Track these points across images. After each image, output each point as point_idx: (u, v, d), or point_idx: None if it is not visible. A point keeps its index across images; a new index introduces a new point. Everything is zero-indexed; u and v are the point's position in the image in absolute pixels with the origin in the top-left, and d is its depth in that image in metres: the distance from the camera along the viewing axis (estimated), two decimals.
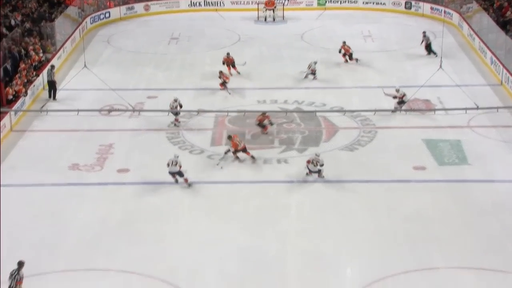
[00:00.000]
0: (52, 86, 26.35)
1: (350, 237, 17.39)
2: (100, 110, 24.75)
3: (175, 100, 23.43)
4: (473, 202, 18.99)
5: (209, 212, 18.66)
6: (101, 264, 16.31)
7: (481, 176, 20.41)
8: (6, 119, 23.29)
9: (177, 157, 19.82)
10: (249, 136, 23.38)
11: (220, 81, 26.45)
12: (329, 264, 16.31)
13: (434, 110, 23.56)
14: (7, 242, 17.06)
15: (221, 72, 26.63)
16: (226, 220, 18.26)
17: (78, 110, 21.79)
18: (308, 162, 20.08)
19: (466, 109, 21.02)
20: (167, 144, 22.79)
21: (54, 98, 26.29)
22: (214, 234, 17.56)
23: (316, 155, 20.09)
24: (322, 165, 19.93)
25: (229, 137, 21.62)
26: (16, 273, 14.49)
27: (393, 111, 24.15)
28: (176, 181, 19.79)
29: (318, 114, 24.55)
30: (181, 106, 23.49)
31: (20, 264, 14.66)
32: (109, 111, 24.84)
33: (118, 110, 24.57)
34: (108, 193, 19.84)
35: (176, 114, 23.64)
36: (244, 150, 21.35)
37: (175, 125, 23.67)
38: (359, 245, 17.03)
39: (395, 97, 24.40)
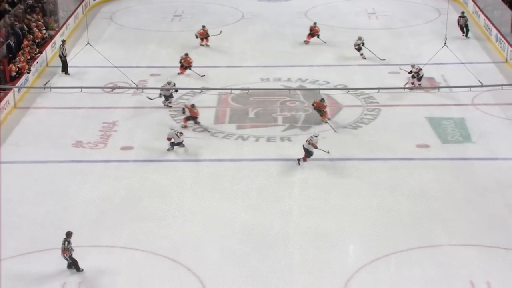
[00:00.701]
0: (63, 61, 26.36)
1: (353, 214, 17.45)
2: (103, 88, 24.71)
3: (169, 83, 23.37)
4: (476, 180, 19.03)
5: (213, 190, 18.71)
6: (105, 240, 16.41)
7: (484, 154, 20.43)
8: (9, 96, 23.30)
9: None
10: (253, 114, 23.38)
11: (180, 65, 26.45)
12: (332, 241, 16.38)
13: (438, 87, 23.50)
14: (13, 218, 17.20)
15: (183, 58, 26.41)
16: (230, 198, 18.32)
17: (82, 88, 21.78)
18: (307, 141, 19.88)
19: (470, 86, 20.92)
20: (171, 122, 22.78)
21: (67, 72, 26.32)
22: (218, 212, 17.63)
23: (314, 135, 19.90)
24: (315, 147, 19.65)
25: (193, 106, 22.22)
26: (64, 242, 15.05)
27: (407, 87, 23.99)
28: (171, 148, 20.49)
29: (321, 92, 24.51)
30: (176, 91, 23.57)
31: (68, 235, 15.15)
32: (113, 88, 24.80)
33: (122, 87, 24.53)
34: (112, 170, 19.89)
35: (170, 96, 23.52)
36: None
37: (167, 106, 23.54)
38: (362, 222, 17.09)
39: (410, 71, 24.27)
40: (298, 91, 24.76)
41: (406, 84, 24.08)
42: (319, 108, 22.36)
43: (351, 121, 22.64)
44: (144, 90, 24.10)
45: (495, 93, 23.77)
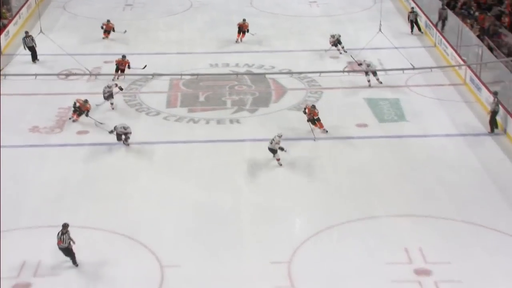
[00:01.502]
0: (32, 51, 25.78)
1: (299, 190, 17.66)
2: (57, 74, 24.27)
3: (109, 86, 21.94)
4: (410, 155, 19.44)
5: (166, 171, 18.66)
6: (63, 220, 16.10)
7: (417, 131, 20.85)
8: None
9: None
10: (203, 98, 23.33)
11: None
12: (280, 215, 16.56)
13: (375, 70, 23.83)
14: None
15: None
16: (183, 178, 18.30)
17: (36, 75, 21.31)
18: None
19: (403, 69, 21.32)
20: (124, 107, 22.58)
21: (37, 59, 25.84)
22: (172, 191, 17.61)
23: (278, 135, 18.68)
24: (281, 148, 18.63)
25: (86, 101, 21.28)
26: (59, 233, 14.51)
27: (346, 70, 24.08)
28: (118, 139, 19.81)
29: (267, 76, 24.59)
30: (121, 89, 22.62)
31: (64, 226, 14.60)
32: (67, 75, 24.39)
33: (76, 74, 24.14)
34: (68, 153, 19.63)
35: (110, 96, 21.98)
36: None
37: (112, 109, 22.05)
38: (306, 197, 17.32)
39: (360, 64, 24.11)
40: (245, 76, 24.75)
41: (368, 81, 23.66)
42: (311, 115, 20.44)
43: (296, 103, 22.81)
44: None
45: (426, 75, 24.28)
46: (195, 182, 18.09)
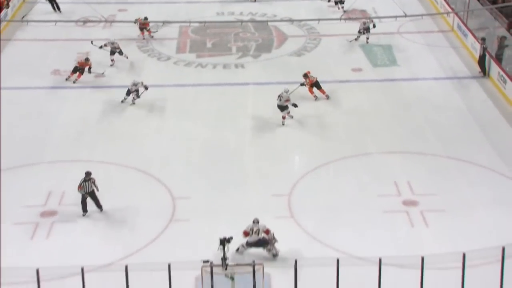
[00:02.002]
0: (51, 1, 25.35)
1: (297, 129, 17.57)
2: (76, 21, 23.89)
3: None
4: (400, 97, 19.30)
5: (176, 112, 18.53)
6: (83, 156, 16.24)
7: (408, 75, 20.65)
8: None
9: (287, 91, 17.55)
10: (210, 44, 23.02)
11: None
12: (280, 153, 16.51)
13: (370, 18, 23.37)
14: (1, 138, 16.82)
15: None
16: (192, 118, 18.20)
17: (56, 21, 20.96)
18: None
19: (396, 17, 20.88)
20: (137, 52, 22.30)
21: (59, 10, 25.39)
22: (181, 130, 17.54)
23: (285, 91, 17.54)
24: (294, 105, 17.38)
25: (87, 59, 19.92)
26: (90, 180, 13.82)
27: (343, 18, 23.31)
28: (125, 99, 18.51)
29: (269, 24, 24.18)
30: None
31: (88, 174, 13.85)
32: (84, 22, 24.03)
33: (93, 21, 23.75)
34: (87, 95, 19.49)
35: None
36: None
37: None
38: (305, 136, 17.24)
39: (360, 31, 22.78)
40: (249, 24, 24.35)
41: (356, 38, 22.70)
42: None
43: (296, 49, 22.49)
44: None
45: (417, 22, 23.86)
46: (202, 122, 17.99)
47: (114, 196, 14.63)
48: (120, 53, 20.98)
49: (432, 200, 14.49)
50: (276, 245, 12.46)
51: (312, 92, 18.89)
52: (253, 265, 10.46)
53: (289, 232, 13.40)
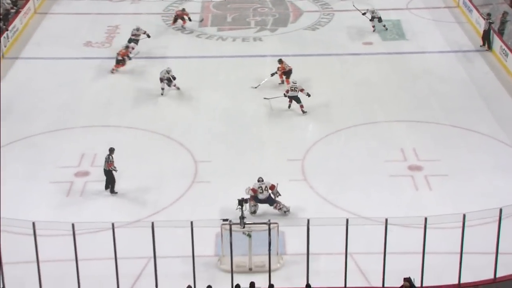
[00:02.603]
0: None
1: (312, 99, 17.29)
2: None
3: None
4: (408, 69, 18.99)
5: (198, 82, 18.37)
6: (113, 121, 16.26)
7: (415, 49, 20.26)
8: (30, 3, 22.43)
9: (295, 83, 16.32)
10: (230, 18, 22.71)
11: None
12: (295, 121, 16.35)
13: (379, 17, 22.72)
14: (40, 104, 16.99)
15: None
16: (212, 88, 18.08)
17: None
18: (287, 91, 16.48)
19: None
20: (163, 26, 22.07)
21: None
22: (203, 99, 17.42)
23: (293, 82, 16.55)
24: (308, 94, 16.24)
25: (127, 47, 18.69)
26: (108, 157, 13.20)
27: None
28: (162, 89, 17.20)
29: None
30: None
31: (111, 150, 13.29)
32: None
33: None
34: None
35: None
36: None
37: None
38: (318, 105, 17.03)
39: (364, 13, 21.09)
40: None
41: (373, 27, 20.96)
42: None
43: (311, 24, 22.10)
44: None
45: None
46: (222, 91, 17.85)
47: (141, 159, 14.66)
48: (148, 36, 20.08)
49: (435, 165, 14.31)
50: (284, 202, 12.37)
51: (281, 77, 17.65)
52: (269, 224, 10.45)
53: (302, 194, 13.39)
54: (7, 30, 20.05)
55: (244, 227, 10.92)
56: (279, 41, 21.03)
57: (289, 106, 16.48)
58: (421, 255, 10.24)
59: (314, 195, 13.37)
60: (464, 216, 10.17)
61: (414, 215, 11.33)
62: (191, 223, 10.00)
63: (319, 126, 16.16)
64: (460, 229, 10.23)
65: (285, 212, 12.46)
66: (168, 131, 15.77)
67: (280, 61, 17.70)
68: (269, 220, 10.77)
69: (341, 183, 13.75)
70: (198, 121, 16.32)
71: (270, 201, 12.39)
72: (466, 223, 10.21)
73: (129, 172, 14.15)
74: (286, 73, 17.66)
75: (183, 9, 21.82)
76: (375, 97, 17.40)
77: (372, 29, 21.14)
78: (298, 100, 16.36)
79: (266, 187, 12.35)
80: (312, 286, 10.07)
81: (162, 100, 17.32)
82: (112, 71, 18.54)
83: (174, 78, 17.45)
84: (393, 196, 13.29)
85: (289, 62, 18.19)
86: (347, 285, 10.30)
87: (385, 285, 10.35)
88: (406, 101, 17.21)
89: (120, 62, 18.60)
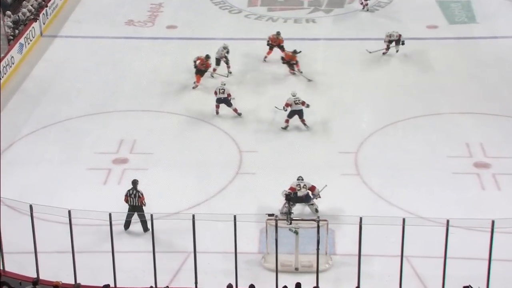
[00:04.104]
0: None
1: (368, 87, 17.17)
2: None
3: (224, 48, 17.53)
4: (478, 56, 18.53)
5: (244, 66, 18.38)
6: (154, 106, 16.47)
7: (487, 33, 19.74)
8: None
9: (224, 84, 15.81)
10: None
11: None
12: (349, 110, 16.21)
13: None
14: (78, 84, 17.39)
15: None
16: (261, 73, 18.04)
17: None
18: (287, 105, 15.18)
19: None
20: (209, 4, 22.18)
21: None
22: (250, 84, 17.40)
23: (293, 95, 15.22)
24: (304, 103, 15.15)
25: (207, 56, 17.02)
26: (134, 192, 11.91)
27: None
28: (217, 112, 15.81)
29: None
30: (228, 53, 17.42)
31: (134, 183, 12.04)
32: None
33: None
34: (159, 46, 19.66)
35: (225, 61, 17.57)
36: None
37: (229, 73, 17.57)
38: (375, 94, 16.84)
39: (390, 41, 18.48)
40: None
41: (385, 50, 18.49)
42: (289, 61, 17.50)
43: (369, 5, 21.73)
44: None
45: None
46: (272, 77, 17.80)
47: (182, 147, 14.82)
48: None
49: (506, 163, 13.95)
50: (315, 201, 12.35)
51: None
52: (318, 221, 10.41)
53: (354, 190, 13.27)
54: (46, 6, 20.59)
55: (291, 223, 10.92)
56: (334, 23, 20.83)
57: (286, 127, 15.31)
58: (486, 262, 9.99)
59: (368, 191, 13.24)
60: None
61: (479, 217, 11.09)
62: (234, 217, 10.04)
63: (375, 116, 15.94)
64: None
65: (316, 210, 12.33)
66: (212, 118, 15.87)
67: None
68: (318, 217, 10.72)
69: (398, 179, 13.56)
70: (244, 108, 16.30)
71: (307, 199, 12.32)
72: None
73: (169, 161, 14.34)
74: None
75: (278, 33, 18.53)
76: (439, 86, 17.05)
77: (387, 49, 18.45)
78: (301, 114, 15.16)
79: (305, 185, 12.30)
80: None
81: (207, 84, 17.40)
82: (194, 87, 17.03)
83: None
84: (456, 195, 13.03)
85: (345, 46, 17.96)
86: None
87: None
88: (474, 91, 16.82)
89: (199, 72, 16.96)
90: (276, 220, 10.38)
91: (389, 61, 18.33)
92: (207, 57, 16.91)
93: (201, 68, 16.93)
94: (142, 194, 11.93)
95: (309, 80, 17.27)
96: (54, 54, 19.13)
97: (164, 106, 16.40)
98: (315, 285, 10.11)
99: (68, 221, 10.20)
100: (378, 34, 19.61)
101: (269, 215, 10.74)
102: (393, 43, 18.30)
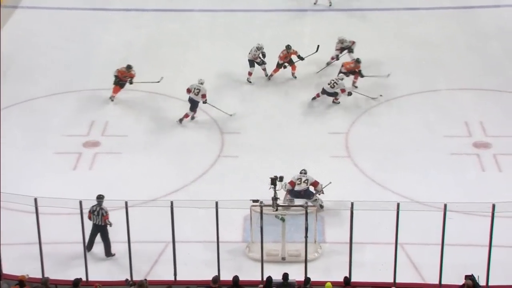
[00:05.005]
0: None
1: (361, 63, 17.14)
2: None
3: (258, 48, 16.35)
4: (478, 27, 18.63)
5: (227, 39, 18.33)
6: (128, 85, 16.29)
7: (487, 1, 19.78)
8: None
9: (202, 83, 14.83)
10: None
11: None
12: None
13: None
14: (44, 61, 17.23)
15: None
16: (243, 46, 17.93)
17: None
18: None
19: None
20: None
21: None
22: (232, 58, 17.34)
23: (340, 78, 15.42)
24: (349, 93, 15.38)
25: (129, 67, 15.60)
26: (97, 208, 11.13)
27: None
28: (180, 121, 14.89)
29: None
30: (264, 56, 16.25)
31: (100, 198, 11.21)
32: None
33: None
34: (132, 18, 19.48)
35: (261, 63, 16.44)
36: None
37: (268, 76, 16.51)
38: (368, 69, 16.68)
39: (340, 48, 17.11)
40: None
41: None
42: (353, 70, 15.92)
43: None
44: None
45: None
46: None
47: (159, 128, 14.76)
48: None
49: (507, 142, 14.07)
50: (321, 197, 12.18)
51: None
52: (306, 207, 10.44)
53: (345, 173, 13.32)
54: None
55: (277, 210, 10.95)
56: None
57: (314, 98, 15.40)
58: (487, 249, 10.10)
59: (360, 175, 13.30)
60: None
61: (479, 200, 11.16)
62: (216, 203, 10.06)
63: (367, 93, 15.92)
64: None
65: (320, 206, 12.13)
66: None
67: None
68: (306, 203, 10.74)
69: (392, 161, 13.63)
70: (226, 84, 16.29)
71: (307, 195, 12.14)
72: None
73: (144, 143, 14.30)
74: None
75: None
76: (436, 60, 17.14)
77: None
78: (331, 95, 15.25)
79: (306, 180, 12.08)
80: (353, 280, 10.06)
81: (186, 59, 17.32)
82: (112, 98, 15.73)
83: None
84: (454, 178, 13.13)
85: (334, 18, 17.93)
86: (397, 281, 10.26)
87: (442, 282, 10.27)
88: (474, 65, 16.92)
89: (118, 83, 15.59)
90: (261, 207, 10.41)
91: (382, 34, 18.35)
92: (129, 67, 15.55)
93: (123, 80, 15.56)
94: (106, 212, 11.08)
95: (374, 98, 15.61)
96: (15, 27, 18.87)
97: (139, 85, 16.24)
98: (303, 275, 10.18)
99: (34, 210, 10.14)
100: (367, 4, 19.62)
101: (254, 201, 10.76)
102: (345, 51, 16.65)
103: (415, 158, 13.69)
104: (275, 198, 10.92)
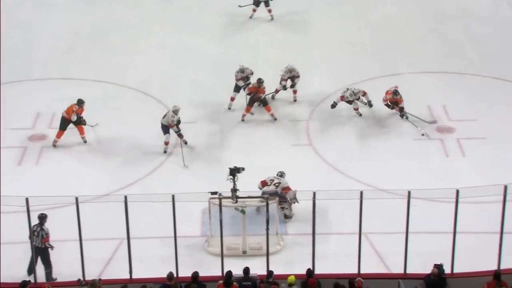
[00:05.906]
0: None
1: (319, 47, 17.28)
2: None
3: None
4: (438, 8, 18.94)
5: (181, 25, 18.24)
6: (76, 74, 16.15)
7: None
8: None
9: (177, 110, 13.57)
10: None
11: None
12: (300, 72, 16.21)
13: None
14: None
15: None
16: (197, 32, 17.91)
17: None
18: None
19: None
20: None
21: None
22: (186, 46, 17.29)
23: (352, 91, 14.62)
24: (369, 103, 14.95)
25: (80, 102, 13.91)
26: (39, 228, 10.59)
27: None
28: (165, 151, 13.74)
29: None
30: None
31: (42, 218, 10.67)
32: None
33: None
34: (78, 3, 19.17)
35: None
36: None
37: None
38: (327, 54, 16.97)
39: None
40: None
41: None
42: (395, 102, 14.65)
43: None
44: None
45: None
46: (210, 37, 17.68)
47: (111, 120, 14.59)
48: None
49: (470, 126, 14.33)
50: (292, 206, 11.98)
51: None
52: (267, 198, 10.46)
53: (306, 161, 13.42)
54: None
55: (236, 202, 10.94)
56: None
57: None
58: (451, 236, 10.29)
59: (321, 163, 13.39)
60: (506, 187, 10.19)
61: (443, 186, 11.36)
62: (172, 196, 10.00)
63: (329, 79, 16.05)
64: (501, 204, 10.26)
65: (285, 216, 11.89)
66: (143, 85, 15.70)
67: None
68: (267, 193, 10.75)
69: (354, 149, 13.78)
70: (179, 73, 16.21)
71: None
72: (507, 197, 10.23)
73: (95, 135, 14.11)
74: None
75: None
76: (397, 43, 17.36)
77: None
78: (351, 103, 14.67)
79: (279, 183, 11.78)
80: (317, 272, 10.14)
81: (135, 47, 17.21)
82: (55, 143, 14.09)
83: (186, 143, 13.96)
84: (417, 164, 13.32)
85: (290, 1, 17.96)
86: (361, 271, 10.37)
87: (407, 272, 10.43)
88: (436, 48, 17.17)
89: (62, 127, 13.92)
90: (220, 199, 10.40)
91: (340, 17, 18.49)
92: (80, 102, 13.83)
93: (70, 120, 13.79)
94: (47, 234, 10.51)
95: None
96: None
97: (88, 74, 16.08)
98: (265, 269, 10.21)
99: None
100: None
101: (212, 193, 10.73)
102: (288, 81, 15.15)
103: (378, 145, 13.86)
104: (234, 190, 10.92)
